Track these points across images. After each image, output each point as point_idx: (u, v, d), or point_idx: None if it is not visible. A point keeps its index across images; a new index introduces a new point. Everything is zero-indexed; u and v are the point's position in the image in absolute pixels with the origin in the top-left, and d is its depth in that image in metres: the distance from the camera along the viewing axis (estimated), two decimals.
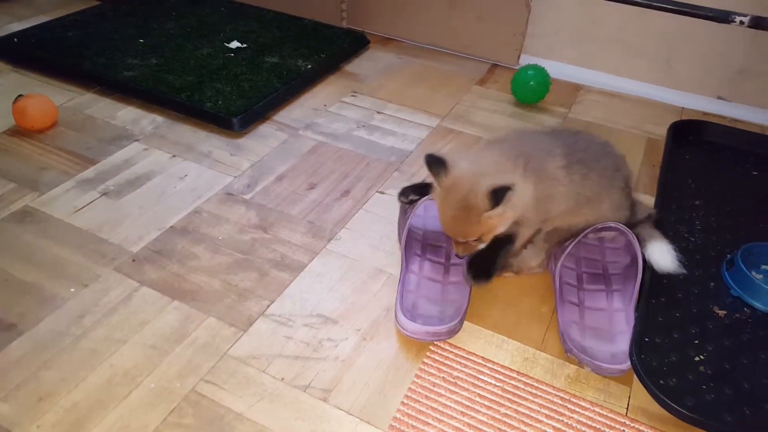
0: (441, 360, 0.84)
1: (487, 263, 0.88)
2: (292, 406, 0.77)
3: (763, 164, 1.27)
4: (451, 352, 0.85)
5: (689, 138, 1.36)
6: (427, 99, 1.48)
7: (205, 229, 1.04)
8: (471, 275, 0.88)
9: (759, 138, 1.36)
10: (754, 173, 1.27)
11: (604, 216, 0.93)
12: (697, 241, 1.07)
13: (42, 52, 1.51)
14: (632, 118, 1.45)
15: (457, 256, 0.88)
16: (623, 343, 0.85)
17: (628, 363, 0.82)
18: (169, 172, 1.17)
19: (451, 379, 0.81)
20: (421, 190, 0.97)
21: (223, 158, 1.22)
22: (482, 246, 0.86)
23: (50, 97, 1.30)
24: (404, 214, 1.01)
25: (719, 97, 1.50)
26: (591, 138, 0.97)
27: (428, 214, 1.05)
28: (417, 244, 1.00)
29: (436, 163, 0.83)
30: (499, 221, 0.82)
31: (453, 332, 0.86)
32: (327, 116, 1.39)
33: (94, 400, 0.76)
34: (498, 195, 0.78)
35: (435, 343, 0.86)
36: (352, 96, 1.48)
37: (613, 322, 0.89)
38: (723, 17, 1.38)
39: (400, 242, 1.00)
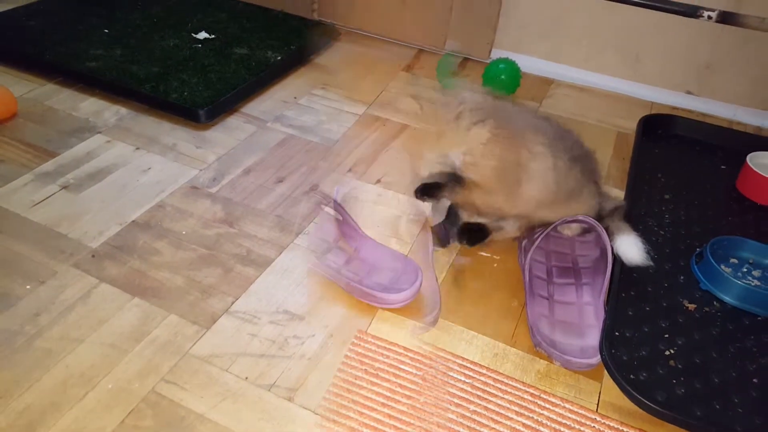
0: (363, 353, 0.82)
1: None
2: (256, 406, 0.74)
3: (731, 158, 1.28)
4: (374, 344, 0.83)
5: (659, 132, 1.37)
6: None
7: (169, 224, 1.00)
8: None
9: (727, 132, 1.37)
10: (722, 167, 1.28)
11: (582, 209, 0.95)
12: (666, 235, 1.07)
13: (1, 42, 1.45)
14: (602, 112, 1.45)
15: None
16: (592, 337, 0.85)
17: (598, 357, 0.82)
18: (132, 165, 1.14)
19: (373, 371, 0.80)
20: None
21: (189, 151, 1.19)
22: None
23: (9, 88, 1.25)
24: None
25: (688, 92, 1.51)
26: (577, 136, 1.01)
27: None
28: None
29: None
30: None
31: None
32: (296, 108, 1.36)
33: (48, 403, 0.73)
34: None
35: (357, 335, 0.84)
36: (323, 88, 1.45)
37: (582, 316, 0.89)
38: (691, 12, 1.39)
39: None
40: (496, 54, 1.60)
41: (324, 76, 1.51)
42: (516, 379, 0.80)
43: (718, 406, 0.78)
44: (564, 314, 0.89)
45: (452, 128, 0.90)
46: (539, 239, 0.91)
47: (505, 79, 1.43)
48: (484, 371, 0.81)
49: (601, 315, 0.87)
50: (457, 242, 1.00)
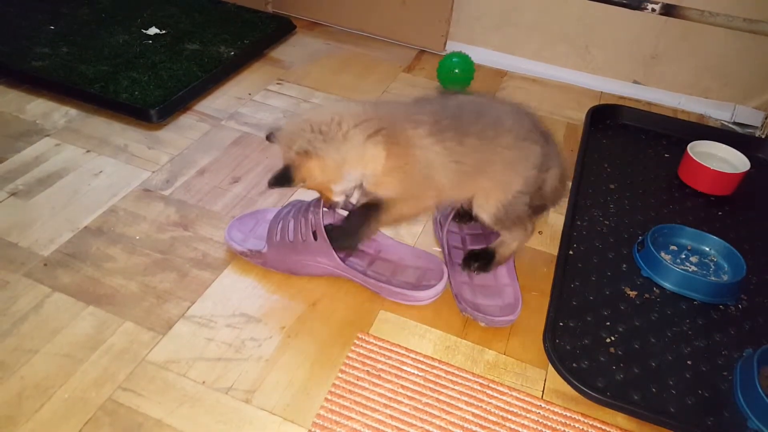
0: (365, 353, 0.85)
1: (347, 230, 0.89)
2: (214, 409, 0.76)
3: (675, 146, 1.33)
4: (376, 344, 0.86)
5: (607, 122, 1.41)
6: (354, 87, 1.47)
7: (122, 229, 1.00)
8: (333, 242, 0.89)
9: (671, 121, 1.43)
10: (666, 155, 1.33)
11: (508, 182, 0.88)
12: (611, 225, 1.11)
13: None
14: (553, 103, 1.49)
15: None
16: (509, 295, 0.93)
17: (516, 313, 0.89)
18: (83, 168, 1.12)
19: (375, 372, 0.82)
20: None
21: (141, 152, 1.18)
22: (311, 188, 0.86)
23: None
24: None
25: (635, 82, 1.56)
26: (468, 98, 0.92)
27: None
28: None
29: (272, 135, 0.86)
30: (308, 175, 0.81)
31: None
32: (251, 105, 1.36)
33: (2, 417, 0.73)
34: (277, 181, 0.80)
35: (359, 336, 0.87)
36: (278, 84, 1.45)
37: (497, 278, 0.96)
38: (636, 4, 1.43)
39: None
40: (451, 46, 1.62)
41: (280, 70, 1.51)
42: (466, 370, 0.84)
43: (654, 389, 0.82)
44: (482, 278, 0.96)
45: (336, 149, 0.80)
46: (453, 212, 0.96)
47: (458, 73, 1.45)
48: (436, 364, 0.84)
49: (513, 273, 0.94)
50: (464, 269, 0.95)
